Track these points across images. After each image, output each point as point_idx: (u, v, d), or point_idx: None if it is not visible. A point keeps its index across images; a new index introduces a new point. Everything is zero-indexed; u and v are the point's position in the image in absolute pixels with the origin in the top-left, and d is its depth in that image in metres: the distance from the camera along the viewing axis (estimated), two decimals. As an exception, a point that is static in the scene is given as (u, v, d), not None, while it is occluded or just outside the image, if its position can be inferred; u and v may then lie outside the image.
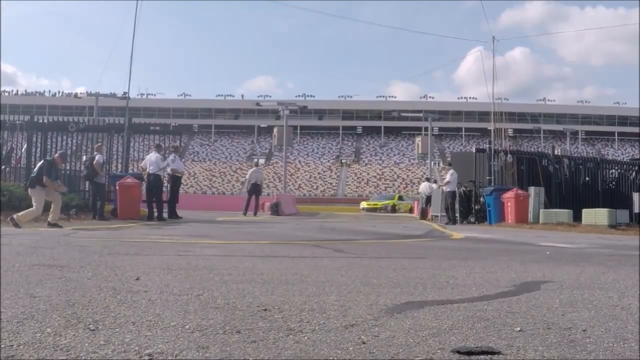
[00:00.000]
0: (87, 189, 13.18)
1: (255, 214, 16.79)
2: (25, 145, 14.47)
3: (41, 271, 3.18)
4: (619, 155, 54.21)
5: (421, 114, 34.97)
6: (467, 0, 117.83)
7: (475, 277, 3.43)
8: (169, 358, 1.49)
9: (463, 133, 66.56)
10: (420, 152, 34.08)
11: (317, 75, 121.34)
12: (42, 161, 9.44)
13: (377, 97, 68.50)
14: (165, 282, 2.87)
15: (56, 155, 9.69)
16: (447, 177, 15.54)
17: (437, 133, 59.34)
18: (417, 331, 1.87)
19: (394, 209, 31.98)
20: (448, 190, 15.59)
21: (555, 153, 20.94)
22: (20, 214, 8.61)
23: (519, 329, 1.94)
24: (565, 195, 16.35)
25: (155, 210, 12.07)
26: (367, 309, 2.27)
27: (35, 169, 9.19)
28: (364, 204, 34.15)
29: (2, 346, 1.56)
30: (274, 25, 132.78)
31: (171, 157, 13.02)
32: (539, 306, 2.42)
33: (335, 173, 59.11)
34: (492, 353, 1.61)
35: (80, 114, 26.65)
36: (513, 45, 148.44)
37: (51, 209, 9.01)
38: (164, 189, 12.84)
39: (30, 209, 8.74)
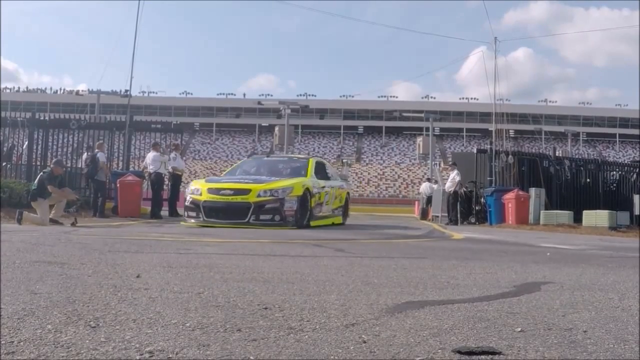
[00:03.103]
0: (82, 187, 13.21)
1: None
2: (27, 143, 14.48)
3: (42, 268, 3.18)
4: (620, 157, 54.14)
5: (422, 114, 34.99)
6: (470, 0, 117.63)
7: (475, 277, 3.43)
8: (170, 356, 1.49)
9: (464, 134, 66.50)
10: (421, 152, 34.09)
11: (318, 75, 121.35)
12: (40, 173, 9.48)
13: (379, 97, 68.44)
14: (166, 280, 2.87)
15: (52, 165, 9.69)
16: (457, 177, 15.51)
17: (438, 133, 59.27)
18: (418, 331, 1.87)
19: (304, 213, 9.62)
20: (450, 190, 15.61)
21: (557, 154, 20.97)
22: (29, 214, 8.66)
23: (519, 329, 1.94)
24: (566, 196, 16.35)
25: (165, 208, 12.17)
26: (368, 308, 2.26)
27: (35, 181, 9.24)
28: (201, 190, 9.46)
29: (3, 342, 1.56)
30: (276, 24, 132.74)
31: (172, 154, 13.04)
32: (539, 307, 2.42)
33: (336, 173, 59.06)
34: (493, 353, 1.61)
35: (81, 111, 26.63)
36: (516, 45, 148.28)
37: (54, 206, 9.06)
38: (164, 187, 12.87)
39: (37, 216, 8.78)
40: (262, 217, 9.09)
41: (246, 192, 9.21)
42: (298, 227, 9.19)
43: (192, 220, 9.39)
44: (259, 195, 9.09)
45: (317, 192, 10.12)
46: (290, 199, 9.21)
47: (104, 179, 12.11)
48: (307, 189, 9.70)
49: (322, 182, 10.59)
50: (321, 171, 11.09)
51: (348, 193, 12.39)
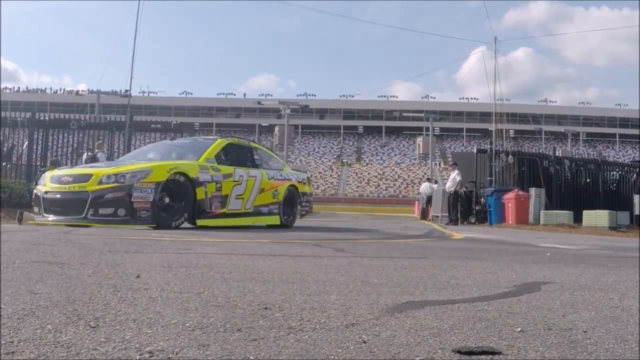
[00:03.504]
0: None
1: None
2: (27, 143, 14.50)
3: (42, 268, 3.18)
4: (620, 157, 54.18)
5: (422, 114, 35.03)
6: (470, 0, 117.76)
7: (475, 277, 3.43)
8: (170, 356, 1.49)
9: (464, 133, 66.54)
10: (421, 152, 34.15)
11: (318, 75, 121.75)
12: (38, 173, 9.63)
13: (379, 96, 68.57)
14: (166, 280, 2.87)
15: (48, 165, 9.79)
16: (458, 177, 15.54)
17: (438, 133, 59.34)
18: (418, 331, 1.87)
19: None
20: (451, 190, 15.64)
21: (557, 154, 21.00)
22: (29, 214, 8.70)
23: (519, 329, 1.94)
24: (566, 196, 16.38)
25: None
26: (368, 308, 2.26)
27: (34, 181, 9.38)
28: (45, 179, 7.59)
29: (3, 342, 1.56)
30: (276, 24, 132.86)
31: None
32: (539, 307, 2.42)
33: (336, 173, 59.09)
34: (493, 353, 1.61)
35: (81, 111, 26.64)
36: (516, 45, 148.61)
37: None
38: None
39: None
40: (102, 211, 6.88)
41: (86, 178, 7.07)
42: (160, 226, 7.03)
43: (41, 218, 7.42)
44: (100, 182, 6.94)
45: (210, 180, 7.74)
46: (142, 186, 6.86)
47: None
48: (182, 173, 7.31)
49: (230, 169, 8.18)
50: (240, 156, 8.73)
51: (295, 187, 9.55)
